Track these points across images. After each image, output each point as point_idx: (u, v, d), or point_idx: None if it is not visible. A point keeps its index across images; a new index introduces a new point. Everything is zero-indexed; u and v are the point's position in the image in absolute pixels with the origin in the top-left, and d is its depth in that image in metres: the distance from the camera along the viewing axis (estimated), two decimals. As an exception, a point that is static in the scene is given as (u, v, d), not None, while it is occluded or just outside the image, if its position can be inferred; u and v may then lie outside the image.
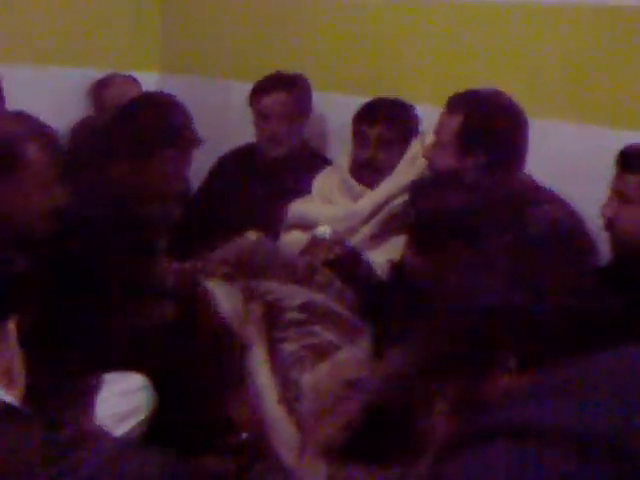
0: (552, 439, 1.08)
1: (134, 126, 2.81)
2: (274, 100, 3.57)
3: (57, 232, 2.41)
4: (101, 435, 1.06)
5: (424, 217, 2.16)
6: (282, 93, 3.58)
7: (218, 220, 3.60)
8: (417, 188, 2.35)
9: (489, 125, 2.61)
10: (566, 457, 1.07)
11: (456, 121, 2.61)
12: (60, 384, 2.22)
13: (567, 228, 2.54)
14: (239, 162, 3.75)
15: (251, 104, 3.64)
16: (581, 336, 1.33)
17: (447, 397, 1.40)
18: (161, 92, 3.52)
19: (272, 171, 3.63)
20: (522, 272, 1.39)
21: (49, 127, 2.44)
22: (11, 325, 1.10)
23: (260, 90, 3.60)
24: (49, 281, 2.32)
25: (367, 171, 3.23)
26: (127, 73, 4.21)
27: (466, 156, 2.59)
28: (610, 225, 2.36)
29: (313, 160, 3.61)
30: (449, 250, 2.05)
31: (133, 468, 1.01)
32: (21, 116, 2.49)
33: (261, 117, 3.59)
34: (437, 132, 2.68)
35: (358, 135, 3.26)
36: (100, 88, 4.16)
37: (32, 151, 2.32)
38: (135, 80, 4.18)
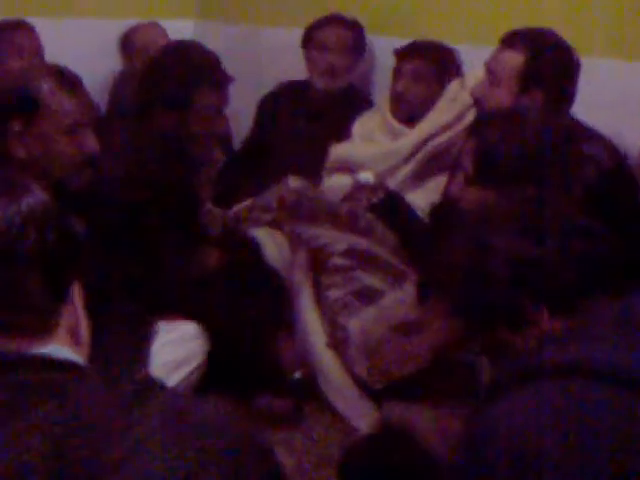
0: (598, 377, 1.12)
1: (166, 74, 2.83)
2: (335, 32, 3.59)
3: (92, 185, 2.37)
4: (165, 388, 1.11)
5: (490, 152, 2.14)
6: (342, 28, 3.60)
7: (264, 161, 3.63)
8: (486, 121, 2.31)
9: (551, 66, 2.57)
10: (614, 394, 1.11)
11: (518, 59, 2.56)
12: (118, 336, 2.27)
13: (610, 167, 2.52)
14: (288, 98, 3.76)
15: (307, 39, 3.63)
16: (605, 281, 1.36)
17: (485, 347, 1.45)
18: (181, 39, 3.55)
19: (322, 108, 3.64)
20: (534, 226, 1.42)
21: (72, 73, 2.36)
22: (75, 289, 1.15)
23: (320, 24, 3.63)
24: (101, 235, 2.35)
25: (400, 104, 3.25)
26: (160, 21, 4.21)
27: (523, 95, 2.56)
28: None
29: (360, 102, 3.63)
30: (504, 188, 2.05)
31: (198, 418, 1.05)
32: (42, 63, 2.41)
33: (319, 49, 3.59)
34: (493, 69, 2.61)
35: (396, 70, 3.30)
36: (126, 38, 4.18)
37: (47, 91, 2.25)
38: (159, 25, 4.18)
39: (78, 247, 1.14)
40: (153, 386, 1.09)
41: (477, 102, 2.70)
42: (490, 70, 2.63)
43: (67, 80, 2.31)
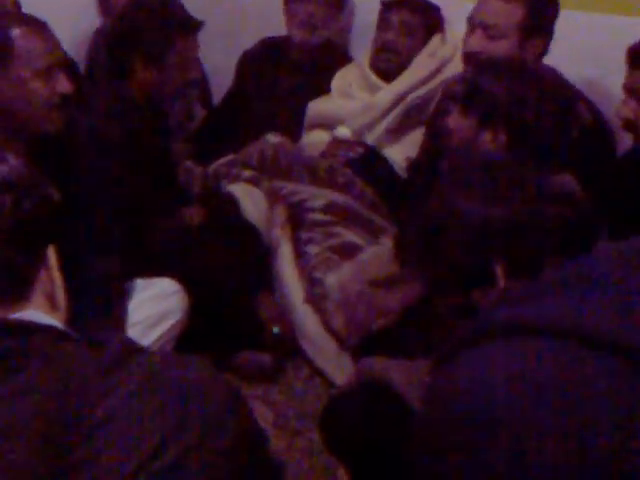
0: (548, 335, 1.14)
1: (141, 27, 2.83)
2: None
3: (67, 126, 2.38)
4: (142, 350, 1.13)
5: (488, 96, 2.12)
6: None
7: (243, 117, 3.63)
8: (487, 66, 2.29)
9: (548, 14, 2.59)
10: (565, 352, 1.13)
11: (518, 10, 2.56)
12: (93, 297, 2.28)
13: (591, 126, 2.52)
14: (269, 54, 3.73)
15: None
16: (566, 242, 1.39)
17: (447, 304, 1.47)
18: None
19: (301, 63, 3.61)
20: (499, 186, 1.44)
21: (37, 18, 2.38)
22: (51, 253, 1.16)
23: None
24: (80, 196, 2.36)
25: (387, 53, 3.24)
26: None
27: (525, 47, 2.57)
28: (630, 125, 2.34)
29: (339, 58, 3.62)
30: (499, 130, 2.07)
31: (176, 377, 1.07)
32: (9, 10, 2.47)
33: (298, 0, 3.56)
34: (492, 23, 2.59)
35: (383, 20, 3.29)
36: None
37: (19, 36, 2.27)
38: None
39: (53, 213, 1.16)
40: (133, 348, 1.10)
41: (471, 56, 2.64)
42: (486, 24, 2.60)
43: (35, 23, 2.34)
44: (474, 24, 2.64)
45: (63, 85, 2.32)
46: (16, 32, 2.29)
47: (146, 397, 1.02)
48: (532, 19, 2.57)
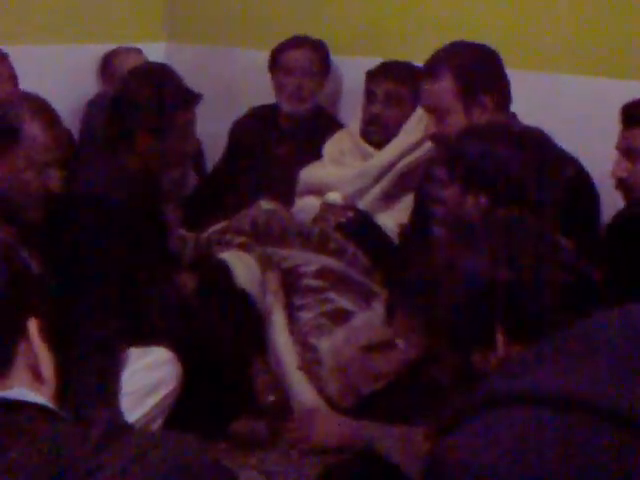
0: (547, 404, 1.14)
1: (143, 99, 2.85)
2: (301, 54, 3.59)
3: (50, 217, 2.42)
4: (131, 429, 1.11)
5: (467, 160, 2.12)
6: (307, 49, 3.61)
7: (235, 185, 3.65)
8: (468, 131, 2.30)
9: (485, 68, 2.59)
10: (564, 421, 1.13)
11: (447, 82, 2.54)
12: (87, 367, 2.27)
13: (574, 183, 2.52)
14: (259, 123, 3.77)
15: (273, 62, 3.65)
16: (566, 307, 1.37)
17: (447, 371, 1.45)
18: (147, 62, 3.72)
19: (291, 131, 3.66)
20: (504, 248, 1.41)
21: (53, 110, 2.44)
22: (32, 325, 1.15)
23: (284, 47, 3.63)
24: (71, 265, 2.37)
25: (374, 127, 3.27)
26: (133, 45, 4.21)
27: (472, 110, 2.57)
28: (623, 185, 2.35)
29: (329, 124, 3.65)
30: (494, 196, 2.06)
31: (164, 457, 1.06)
32: (28, 96, 2.50)
33: (285, 72, 3.59)
34: (432, 105, 2.61)
35: (369, 92, 3.31)
36: (106, 63, 4.18)
37: (28, 125, 2.31)
38: (140, 51, 4.19)
39: (32, 285, 1.14)
40: (121, 427, 1.09)
41: (433, 139, 2.69)
42: (429, 108, 2.63)
43: (49, 116, 2.35)
44: (425, 111, 2.68)
45: (54, 184, 2.34)
46: (26, 121, 2.30)
47: (133, 479, 1.00)
48: (464, 81, 2.56)
